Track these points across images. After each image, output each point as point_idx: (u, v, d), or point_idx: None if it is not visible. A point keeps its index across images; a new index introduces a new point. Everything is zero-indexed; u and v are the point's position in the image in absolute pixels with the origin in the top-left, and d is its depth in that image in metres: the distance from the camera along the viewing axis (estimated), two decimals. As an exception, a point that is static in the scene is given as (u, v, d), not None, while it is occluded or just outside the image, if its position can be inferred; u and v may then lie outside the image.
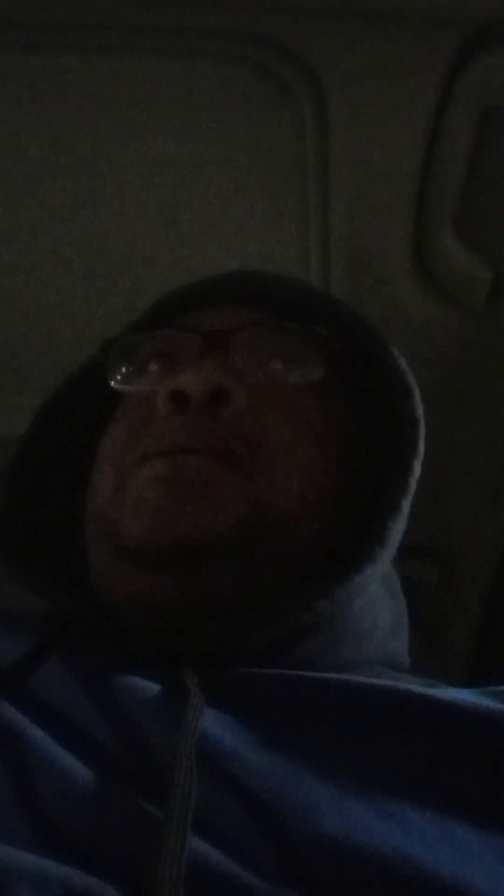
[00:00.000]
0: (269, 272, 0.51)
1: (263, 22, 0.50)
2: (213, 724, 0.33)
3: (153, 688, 0.35)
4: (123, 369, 0.47)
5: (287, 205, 0.62)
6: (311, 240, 0.64)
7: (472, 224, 0.62)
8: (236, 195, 0.62)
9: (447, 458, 0.80)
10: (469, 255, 0.63)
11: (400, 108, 0.55)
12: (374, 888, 0.28)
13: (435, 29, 0.50)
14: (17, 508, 0.48)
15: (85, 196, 0.63)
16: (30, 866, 0.27)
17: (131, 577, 0.39)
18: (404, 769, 0.32)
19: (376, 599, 0.43)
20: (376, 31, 0.51)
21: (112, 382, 0.46)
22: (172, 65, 0.54)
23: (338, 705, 0.35)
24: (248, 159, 0.59)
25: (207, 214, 0.63)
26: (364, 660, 0.42)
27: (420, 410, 0.45)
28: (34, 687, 0.37)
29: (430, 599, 0.93)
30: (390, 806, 0.30)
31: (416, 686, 0.35)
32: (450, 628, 0.97)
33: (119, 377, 0.47)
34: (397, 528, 0.41)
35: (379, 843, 0.29)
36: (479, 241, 0.63)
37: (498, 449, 0.79)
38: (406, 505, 0.41)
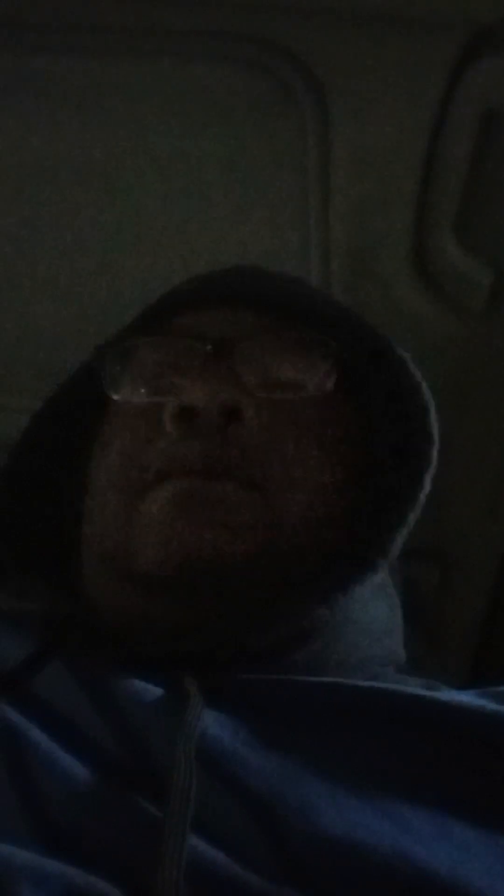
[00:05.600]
0: (266, 269, 0.49)
1: (265, 24, 0.51)
2: (212, 724, 0.33)
3: (153, 690, 0.35)
4: (121, 378, 0.44)
5: (287, 206, 0.62)
6: (311, 241, 0.64)
7: (473, 226, 0.62)
8: (237, 196, 0.62)
9: (447, 460, 0.79)
10: (469, 257, 0.63)
11: (401, 110, 0.55)
12: (373, 886, 0.28)
13: (436, 32, 0.51)
14: (9, 513, 0.47)
15: (85, 197, 0.63)
16: (31, 865, 0.28)
17: (137, 602, 0.39)
18: (402, 769, 0.32)
19: (371, 596, 0.43)
20: (378, 34, 0.51)
21: (110, 392, 0.44)
22: (174, 66, 0.54)
23: (337, 706, 0.35)
24: (248, 161, 0.59)
25: (209, 215, 0.63)
26: (361, 658, 0.42)
27: (435, 427, 0.43)
28: (35, 689, 0.37)
29: (431, 601, 0.93)
30: (388, 805, 0.31)
31: (413, 688, 0.35)
32: (450, 630, 0.97)
33: (118, 386, 0.44)
34: (402, 541, 0.40)
35: (377, 842, 0.29)
36: (480, 244, 0.63)
37: (498, 451, 0.79)
38: (414, 519, 0.41)
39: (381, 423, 0.45)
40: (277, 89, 0.54)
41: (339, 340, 0.44)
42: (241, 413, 0.40)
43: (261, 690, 0.36)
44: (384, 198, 0.60)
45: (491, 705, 0.34)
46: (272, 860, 0.29)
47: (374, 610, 0.43)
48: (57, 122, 0.58)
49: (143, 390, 0.44)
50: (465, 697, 0.35)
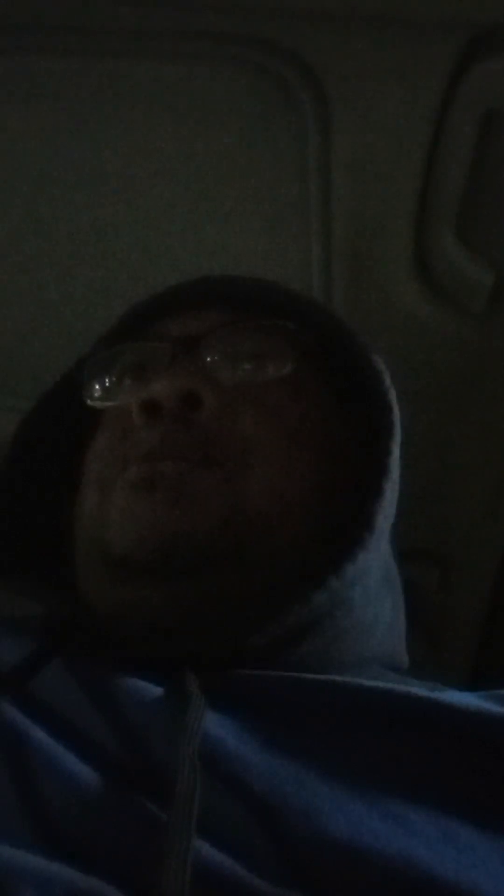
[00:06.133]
0: (237, 275, 0.51)
1: (266, 26, 0.51)
2: (215, 726, 0.33)
3: (155, 690, 0.35)
4: (99, 386, 0.47)
5: (288, 208, 0.62)
6: (312, 242, 0.64)
7: (474, 227, 0.62)
8: (238, 198, 0.62)
9: (448, 462, 0.80)
10: (470, 258, 0.63)
11: (402, 112, 0.55)
12: (378, 890, 0.28)
13: (437, 33, 0.50)
14: (6, 516, 0.48)
15: (86, 200, 0.63)
16: (34, 868, 0.28)
17: (118, 588, 0.39)
18: (407, 771, 0.32)
19: (376, 593, 0.43)
20: (378, 35, 0.51)
21: (88, 400, 0.47)
22: (174, 68, 0.54)
23: (341, 707, 0.35)
24: (249, 162, 0.59)
25: (209, 217, 0.63)
26: (365, 658, 0.42)
27: (392, 393, 0.45)
28: (36, 690, 0.37)
29: (431, 602, 0.93)
30: (393, 808, 0.31)
31: (418, 689, 0.35)
32: (450, 631, 0.97)
33: (95, 394, 0.47)
34: (384, 512, 0.41)
35: (382, 845, 0.29)
36: (481, 245, 0.63)
37: (498, 452, 0.79)
38: (389, 488, 0.42)
39: (348, 401, 0.47)
40: (278, 91, 0.54)
41: (297, 324, 0.47)
42: (201, 401, 0.41)
43: (263, 689, 0.36)
44: (384, 199, 0.60)
45: (495, 708, 0.34)
46: (276, 863, 0.29)
47: (377, 609, 0.43)
48: (57, 124, 0.58)
49: (116, 395, 0.46)
50: (470, 700, 0.35)
